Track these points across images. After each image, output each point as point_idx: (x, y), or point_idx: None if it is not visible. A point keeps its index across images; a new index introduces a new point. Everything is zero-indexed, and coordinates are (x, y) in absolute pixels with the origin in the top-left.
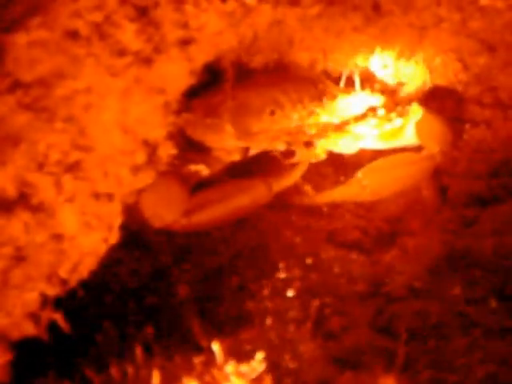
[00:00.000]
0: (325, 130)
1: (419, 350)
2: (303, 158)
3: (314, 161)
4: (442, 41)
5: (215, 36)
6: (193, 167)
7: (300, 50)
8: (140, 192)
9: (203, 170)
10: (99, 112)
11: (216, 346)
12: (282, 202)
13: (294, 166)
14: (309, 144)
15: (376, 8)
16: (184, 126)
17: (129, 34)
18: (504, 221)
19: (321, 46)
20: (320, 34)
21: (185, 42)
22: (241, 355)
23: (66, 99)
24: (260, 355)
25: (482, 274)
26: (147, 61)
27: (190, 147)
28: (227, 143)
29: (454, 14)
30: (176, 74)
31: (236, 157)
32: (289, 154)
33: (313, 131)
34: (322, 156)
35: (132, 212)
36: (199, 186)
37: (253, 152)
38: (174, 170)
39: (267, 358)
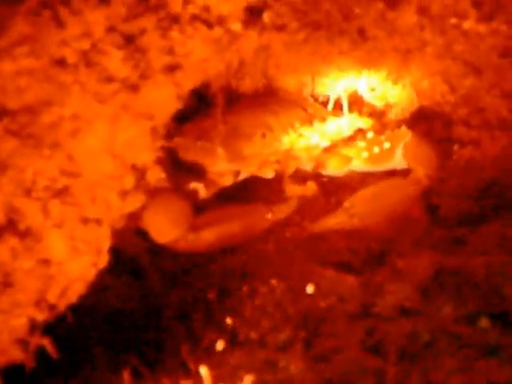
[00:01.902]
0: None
1: (410, 370)
2: (294, 193)
3: (307, 195)
4: (428, 64)
5: (201, 62)
6: (192, 185)
7: (288, 74)
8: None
9: (201, 189)
10: (86, 138)
11: (204, 370)
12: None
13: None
14: (302, 179)
15: (361, 32)
16: (177, 150)
17: (116, 61)
18: (493, 240)
19: (308, 70)
20: (307, 59)
21: (171, 68)
22: (230, 378)
23: (53, 126)
24: (249, 378)
25: (473, 293)
26: (134, 87)
27: (185, 170)
28: (219, 166)
29: (438, 38)
30: (163, 99)
31: (229, 180)
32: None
33: (303, 154)
34: (313, 191)
35: (123, 236)
36: (197, 206)
37: (243, 176)
38: (175, 186)
39: (257, 381)
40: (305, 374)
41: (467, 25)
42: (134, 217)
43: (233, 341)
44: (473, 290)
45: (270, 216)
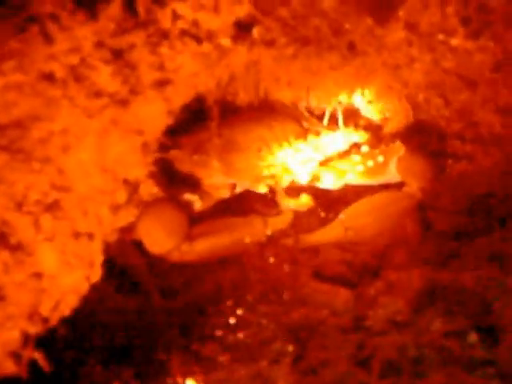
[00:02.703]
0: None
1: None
2: (288, 207)
3: (301, 209)
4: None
5: (192, 77)
6: (187, 196)
7: (283, 88)
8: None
9: (196, 201)
10: (77, 152)
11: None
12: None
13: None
14: (297, 193)
15: (351, 47)
16: (173, 162)
17: (104, 76)
18: (485, 254)
19: (303, 84)
20: (301, 73)
21: (161, 84)
22: None
23: (43, 140)
24: None
25: (462, 308)
26: (123, 102)
27: (181, 182)
28: (215, 179)
29: (426, 55)
30: (153, 114)
31: (225, 193)
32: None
33: (298, 168)
34: (309, 205)
35: (120, 247)
36: (193, 218)
37: (239, 189)
38: (170, 198)
39: None
40: None
41: (455, 41)
42: (131, 228)
43: (224, 354)
44: (462, 305)
45: (267, 231)
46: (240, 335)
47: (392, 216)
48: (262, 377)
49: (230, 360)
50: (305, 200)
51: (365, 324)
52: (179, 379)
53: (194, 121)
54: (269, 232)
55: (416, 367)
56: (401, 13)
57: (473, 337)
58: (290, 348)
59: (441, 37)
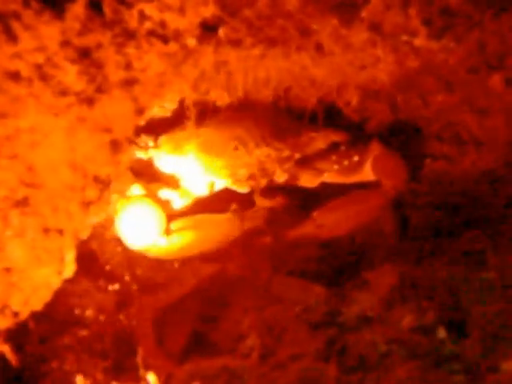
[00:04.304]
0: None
1: (363, 379)
2: (264, 205)
3: (276, 207)
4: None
5: (159, 76)
6: (166, 193)
7: (262, 86)
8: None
9: (175, 198)
10: (45, 150)
11: (152, 377)
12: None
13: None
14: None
15: (319, 48)
16: (153, 161)
17: (70, 75)
18: (459, 251)
19: (283, 83)
20: (276, 73)
21: (128, 83)
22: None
23: (10, 138)
24: None
25: (432, 303)
26: (90, 101)
27: (161, 180)
28: (193, 178)
29: (390, 55)
30: (121, 113)
31: (203, 191)
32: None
33: (275, 167)
34: (282, 203)
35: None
36: (172, 216)
37: (218, 188)
38: (149, 194)
39: None
40: (258, 382)
41: (418, 42)
42: (110, 224)
43: (194, 348)
44: (433, 302)
45: (243, 228)
46: (213, 330)
47: (364, 214)
48: (229, 371)
49: (199, 354)
50: (279, 200)
51: (337, 320)
52: (142, 373)
53: (173, 120)
54: (244, 229)
55: (384, 362)
56: (364, 13)
57: (441, 332)
58: (260, 343)
59: (404, 37)
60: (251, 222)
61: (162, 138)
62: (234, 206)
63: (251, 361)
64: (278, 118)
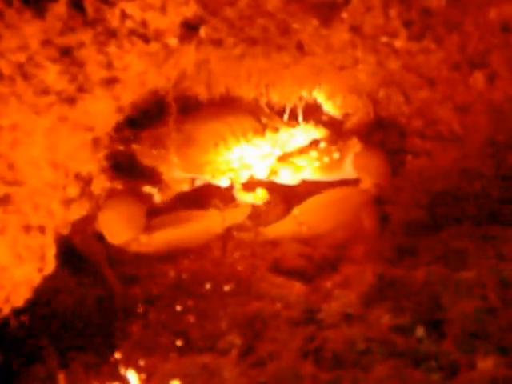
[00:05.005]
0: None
1: (341, 377)
2: (246, 200)
3: (258, 203)
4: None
5: (140, 75)
6: (146, 189)
7: (244, 83)
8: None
9: (156, 194)
10: (27, 148)
11: (131, 375)
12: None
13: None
14: (252, 187)
15: (299, 48)
16: (135, 155)
17: (52, 74)
18: (439, 250)
19: (263, 81)
20: (257, 70)
21: (109, 82)
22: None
23: None
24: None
25: (411, 302)
26: (71, 100)
27: (142, 175)
28: (174, 174)
29: (370, 56)
30: (103, 111)
31: (185, 187)
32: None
33: (256, 163)
34: (264, 199)
35: (81, 239)
36: (153, 211)
37: (199, 183)
38: (130, 190)
39: None
40: (237, 380)
41: (398, 43)
42: (92, 220)
43: (175, 345)
44: (412, 300)
45: (224, 224)
46: (194, 327)
47: (345, 211)
48: (209, 369)
49: (180, 352)
50: (261, 194)
51: (317, 317)
52: (122, 370)
53: (155, 115)
54: (226, 225)
55: (362, 360)
56: (344, 15)
57: (420, 331)
58: (241, 340)
59: (384, 39)
60: (232, 219)
61: (143, 134)
62: (215, 202)
63: (230, 358)
64: (259, 114)
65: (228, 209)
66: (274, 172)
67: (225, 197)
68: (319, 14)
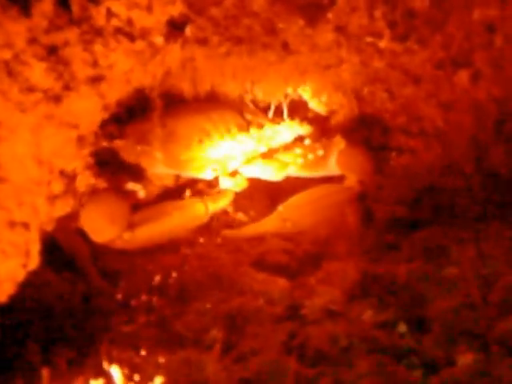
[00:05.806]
0: (251, 158)
1: (323, 372)
2: (226, 187)
3: (237, 189)
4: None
5: (126, 74)
6: (130, 185)
7: (229, 80)
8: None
9: (139, 190)
10: (11, 145)
11: (115, 370)
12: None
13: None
14: (232, 174)
15: (285, 47)
16: (118, 151)
17: (38, 72)
18: (422, 246)
19: (249, 78)
20: (243, 67)
21: (95, 80)
22: (142, 378)
23: None
24: (158, 379)
25: (394, 299)
26: (57, 98)
27: (126, 171)
28: (158, 169)
29: (354, 56)
30: (88, 109)
31: (168, 182)
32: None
33: (240, 159)
34: (244, 185)
35: (65, 236)
36: (137, 207)
37: (183, 179)
38: (113, 187)
39: (168, 382)
40: (219, 375)
41: (383, 44)
42: (75, 217)
43: (158, 340)
44: (394, 296)
45: (208, 213)
46: (177, 322)
47: (329, 208)
48: (191, 363)
49: (163, 347)
50: (240, 180)
51: (300, 313)
52: (105, 365)
53: (139, 111)
54: (210, 212)
55: (345, 356)
56: (330, 15)
57: (402, 327)
58: (224, 336)
59: (369, 39)
60: (216, 204)
61: (127, 129)
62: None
63: (214, 353)
64: (244, 110)
65: (210, 196)
66: (257, 168)
67: (207, 186)
68: (305, 14)
